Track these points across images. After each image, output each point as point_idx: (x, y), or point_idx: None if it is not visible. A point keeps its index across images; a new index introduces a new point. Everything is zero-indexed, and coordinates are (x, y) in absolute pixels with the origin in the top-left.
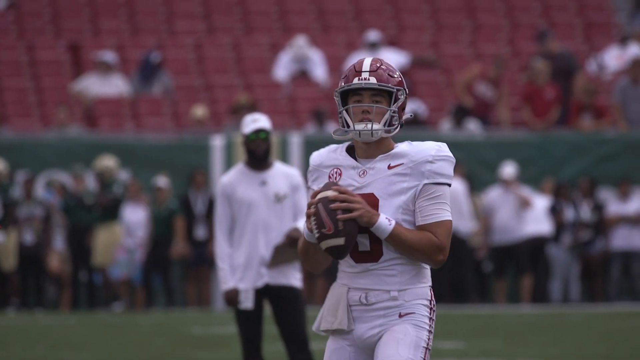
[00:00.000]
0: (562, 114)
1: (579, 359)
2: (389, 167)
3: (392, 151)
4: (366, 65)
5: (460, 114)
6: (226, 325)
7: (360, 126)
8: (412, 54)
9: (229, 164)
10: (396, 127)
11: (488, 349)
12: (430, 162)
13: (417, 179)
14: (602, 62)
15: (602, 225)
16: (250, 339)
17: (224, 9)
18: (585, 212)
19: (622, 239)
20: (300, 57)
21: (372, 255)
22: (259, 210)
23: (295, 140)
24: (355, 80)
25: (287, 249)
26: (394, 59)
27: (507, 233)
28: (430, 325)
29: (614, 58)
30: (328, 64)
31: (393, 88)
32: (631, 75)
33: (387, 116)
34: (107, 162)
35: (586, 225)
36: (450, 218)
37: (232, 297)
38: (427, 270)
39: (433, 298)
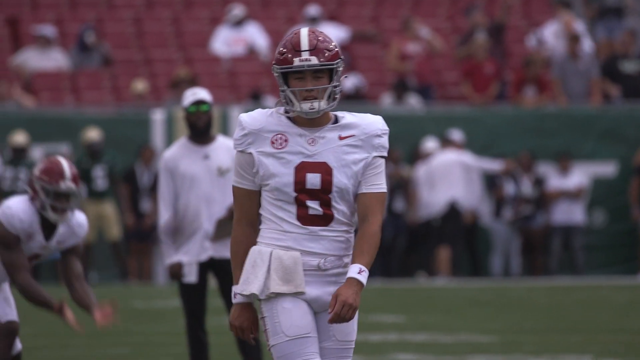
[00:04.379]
0: (502, 89)
1: (519, 332)
2: (340, 138)
3: (341, 122)
4: (304, 44)
5: (401, 88)
6: (168, 299)
7: (306, 106)
8: (352, 29)
9: (169, 138)
10: (338, 99)
11: (428, 323)
12: (379, 135)
13: (367, 151)
14: (541, 37)
15: (542, 199)
16: (194, 313)
17: None
18: (526, 186)
19: (563, 214)
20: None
21: (323, 219)
22: (202, 184)
23: (236, 114)
24: (297, 62)
25: (230, 222)
26: (334, 33)
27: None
28: None
29: (553, 33)
30: (269, 37)
31: (333, 64)
32: (569, 50)
33: (329, 91)
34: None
35: (527, 200)
36: (385, 190)
37: (176, 270)
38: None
39: None
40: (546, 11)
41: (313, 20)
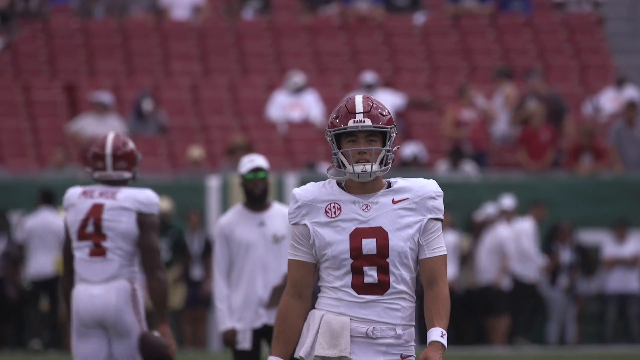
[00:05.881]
0: (557, 156)
1: None
2: (394, 202)
3: (394, 187)
4: (359, 107)
5: (456, 155)
6: None
7: (358, 168)
8: (407, 95)
9: (224, 204)
10: (391, 164)
11: None
12: (433, 198)
13: (422, 213)
14: (597, 105)
15: (586, 267)
16: None
17: (220, 50)
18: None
19: (618, 282)
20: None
21: (379, 287)
22: (257, 251)
23: (292, 181)
24: (351, 123)
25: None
26: (389, 100)
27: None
28: None
29: (609, 100)
30: (324, 105)
31: (387, 128)
32: (626, 117)
33: (382, 155)
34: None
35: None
36: (446, 252)
37: (229, 337)
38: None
39: None
40: (603, 77)
41: (369, 87)
